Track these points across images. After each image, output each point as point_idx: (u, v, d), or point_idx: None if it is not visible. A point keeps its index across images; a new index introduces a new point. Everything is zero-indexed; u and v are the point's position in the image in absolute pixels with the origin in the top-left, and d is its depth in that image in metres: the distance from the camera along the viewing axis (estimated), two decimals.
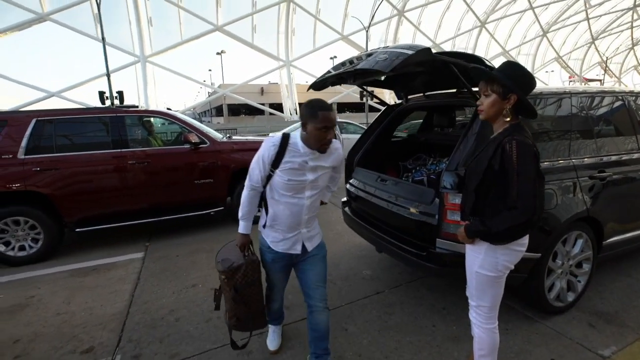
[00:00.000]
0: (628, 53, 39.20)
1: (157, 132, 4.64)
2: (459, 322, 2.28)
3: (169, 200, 4.01)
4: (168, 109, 7.61)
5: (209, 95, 37.47)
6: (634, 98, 2.95)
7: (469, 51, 29.73)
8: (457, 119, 3.70)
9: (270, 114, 27.17)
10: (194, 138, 4.00)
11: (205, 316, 2.42)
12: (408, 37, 28.09)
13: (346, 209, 3.12)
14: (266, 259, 1.78)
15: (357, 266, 3.15)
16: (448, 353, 2.00)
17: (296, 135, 1.59)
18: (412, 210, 2.27)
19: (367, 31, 21.93)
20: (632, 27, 34.80)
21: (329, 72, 2.51)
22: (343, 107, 34.66)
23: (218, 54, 41.31)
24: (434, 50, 1.95)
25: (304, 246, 1.73)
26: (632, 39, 36.74)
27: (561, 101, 2.46)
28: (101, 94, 14.83)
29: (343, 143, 8.66)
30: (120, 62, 21.46)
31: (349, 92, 29.14)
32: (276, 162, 1.55)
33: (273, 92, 34.61)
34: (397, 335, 2.18)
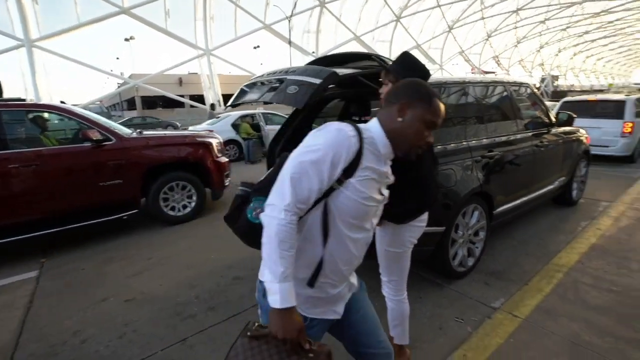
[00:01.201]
0: (514, 49, 45.73)
1: (54, 130, 4.01)
2: (378, 298, 2.44)
3: (68, 207, 3.50)
4: (62, 102, 6.61)
5: (119, 87, 33.60)
6: (516, 88, 3.44)
7: (387, 44, 31.51)
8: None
9: (192, 106, 25.48)
10: (94, 135, 3.54)
11: (119, 331, 2.20)
12: (330, 28, 28.66)
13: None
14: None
15: None
16: None
17: (372, 127, 1.01)
18: None
19: (289, 21, 21.77)
20: (515, 28, 40.54)
21: (243, 91, 2.42)
22: None
23: (127, 40, 37.11)
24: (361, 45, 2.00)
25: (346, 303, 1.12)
26: (516, 37, 42.96)
27: (460, 90, 2.77)
28: None
29: (269, 135, 8.52)
30: None
31: None
32: (353, 166, 0.92)
33: (193, 82, 32.46)
34: None
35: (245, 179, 2.32)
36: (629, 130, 6.35)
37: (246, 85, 2.45)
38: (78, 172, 3.52)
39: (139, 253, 3.39)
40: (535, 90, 3.72)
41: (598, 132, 6.44)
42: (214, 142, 4.51)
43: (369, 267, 1.68)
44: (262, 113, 10.05)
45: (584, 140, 4.23)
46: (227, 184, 4.67)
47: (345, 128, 0.92)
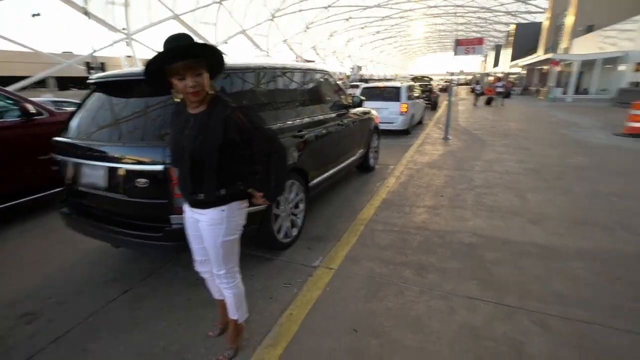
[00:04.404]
0: (328, 41, 52.09)
1: None
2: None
3: None
4: None
5: None
6: (320, 75, 3.91)
7: (212, 27, 30.01)
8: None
9: None
10: (31, 108, 3.64)
11: None
12: (142, 1, 24.94)
13: (64, 209, 2.53)
14: None
15: (96, 272, 2.69)
16: (202, 317, 2.10)
17: None
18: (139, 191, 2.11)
19: None
20: (328, 22, 46.07)
21: None
22: (65, 82, 27.23)
23: (34, 16, 23.68)
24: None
25: None
26: (330, 31, 48.96)
27: (273, 75, 2.96)
28: None
29: None
30: None
31: (71, 64, 23.18)
32: None
33: (112, 65, 23.53)
34: (151, 325, 2.06)
35: None
36: (405, 109, 8.37)
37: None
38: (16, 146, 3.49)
39: None
40: (334, 77, 4.36)
41: (386, 111, 8.21)
42: None
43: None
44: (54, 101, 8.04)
45: (375, 119, 5.31)
46: None
47: None
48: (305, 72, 3.57)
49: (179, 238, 2.07)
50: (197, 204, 1.55)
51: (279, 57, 40.47)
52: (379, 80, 14.93)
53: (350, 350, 1.82)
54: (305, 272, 2.57)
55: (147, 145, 2.10)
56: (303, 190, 3.11)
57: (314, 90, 3.69)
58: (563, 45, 27.26)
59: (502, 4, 42.61)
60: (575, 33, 25.48)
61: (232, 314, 1.79)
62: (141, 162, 2.10)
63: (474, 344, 1.84)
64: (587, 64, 21.78)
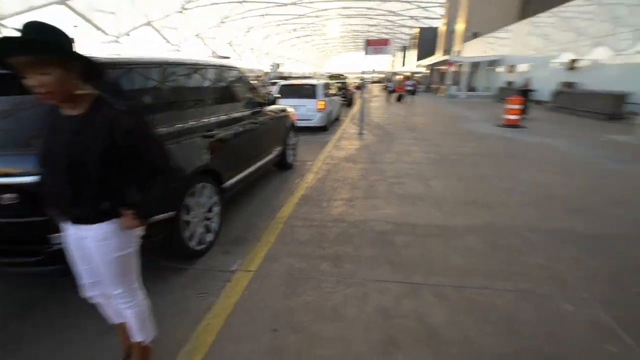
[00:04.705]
0: (244, 37, 50.72)
1: None
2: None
3: None
4: None
5: None
6: (233, 72, 3.75)
7: (109, 15, 26.76)
8: None
9: None
10: None
11: None
12: None
13: None
14: None
15: None
16: (105, 346, 1.86)
17: None
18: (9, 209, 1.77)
19: None
20: (244, 18, 44.81)
21: None
22: None
23: None
24: None
25: None
26: (247, 26, 47.73)
27: (180, 71, 2.74)
28: None
29: None
30: None
31: None
32: None
33: None
34: None
35: None
36: (322, 106, 8.61)
37: None
38: None
39: None
40: (245, 74, 4.25)
41: (304, 108, 8.33)
42: None
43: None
44: None
45: (291, 116, 5.34)
46: None
47: None
48: (215, 68, 3.39)
49: (62, 260, 1.80)
50: (78, 220, 1.35)
51: (193, 52, 38.02)
52: (298, 78, 15.09)
53: (269, 350, 1.80)
54: (222, 278, 2.46)
55: (15, 152, 1.76)
56: (217, 193, 2.97)
57: (226, 87, 3.54)
58: (456, 48, 31.07)
59: (407, 9, 46.65)
60: (466, 38, 29.29)
61: (136, 336, 1.61)
62: (8, 173, 1.75)
63: (385, 324, 1.98)
64: (475, 66, 25.29)
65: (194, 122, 2.75)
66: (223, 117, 3.21)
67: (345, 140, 7.77)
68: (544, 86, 15.08)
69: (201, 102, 3.00)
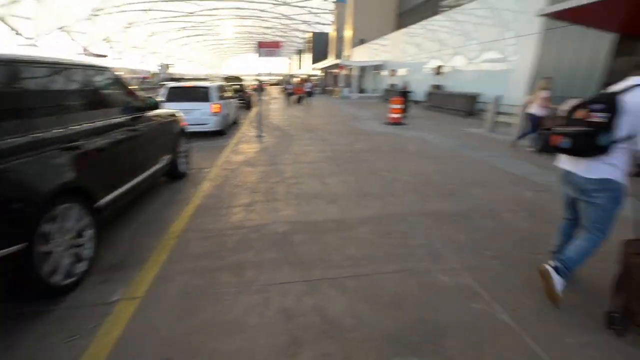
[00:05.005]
0: (125, 34, 45.10)
1: None
2: None
3: None
4: None
5: None
6: (104, 73, 3.23)
7: None
8: None
9: None
10: None
11: None
12: None
13: None
14: None
15: None
16: None
17: None
18: None
19: None
20: (123, 12, 39.71)
21: None
22: None
23: None
24: None
25: None
26: (127, 21, 42.38)
27: (29, 72, 2.21)
28: None
29: None
30: None
31: None
32: None
33: None
34: None
35: None
36: (217, 110, 8.20)
37: None
38: None
39: None
40: (119, 75, 3.74)
41: (197, 112, 7.81)
42: None
43: None
44: None
45: (180, 121, 4.93)
46: None
47: None
48: (79, 69, 2.86)
49: None
50: None
51: (56, 48, 32.01)
52: (190, 79, 14.04)
53: None
54: (99, 312, 2.10)
55: None
56: (88, 213, 2.53)
57: (94, 91, 3.04)
58: (346, 53, 33.47)
59: (299, 14, 48.15)
60: (354, 44, 31.76)
61: None
62: None
63: (288, 324, 1.98)
64: (364, 69, 27.67)
65: (53, 132, 2.29)
66: (91, 125, 2.76)
67: (244, 144, 7.59)
68: (419, 88, 17.39)
69: (59, 108, 2.51)
